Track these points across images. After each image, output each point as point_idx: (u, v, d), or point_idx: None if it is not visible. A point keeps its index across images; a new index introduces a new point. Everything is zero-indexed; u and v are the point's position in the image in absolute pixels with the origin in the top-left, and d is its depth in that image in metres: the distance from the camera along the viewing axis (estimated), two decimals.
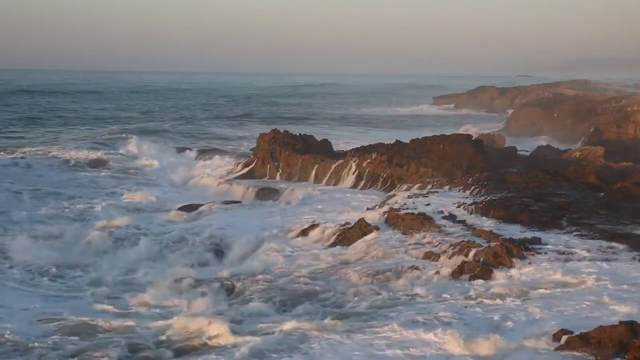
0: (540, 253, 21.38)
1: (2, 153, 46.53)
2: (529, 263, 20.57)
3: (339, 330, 16.71)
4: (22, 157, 45.21)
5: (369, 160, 39.30)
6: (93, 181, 41.18)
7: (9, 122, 73.52)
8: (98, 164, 46.29)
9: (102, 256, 25.80)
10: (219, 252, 26.01)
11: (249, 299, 20.03)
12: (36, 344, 16.72)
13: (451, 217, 26.41)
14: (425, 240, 23.47)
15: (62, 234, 28.44)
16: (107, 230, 28.46)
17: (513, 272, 20.03)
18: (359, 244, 24.30)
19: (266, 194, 37.53)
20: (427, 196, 31.37)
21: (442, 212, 27.43)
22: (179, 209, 32.92)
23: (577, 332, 14.35)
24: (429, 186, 33.82)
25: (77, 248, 26.69)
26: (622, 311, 16.38)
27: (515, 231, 24.14)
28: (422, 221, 25.09)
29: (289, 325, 17.08)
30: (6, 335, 17.11)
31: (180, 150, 52.34)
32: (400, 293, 19.53)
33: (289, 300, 19.72)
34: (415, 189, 33.66)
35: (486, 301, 18.19)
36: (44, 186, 38.09)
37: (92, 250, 26.56)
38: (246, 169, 43.78)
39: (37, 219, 31.09)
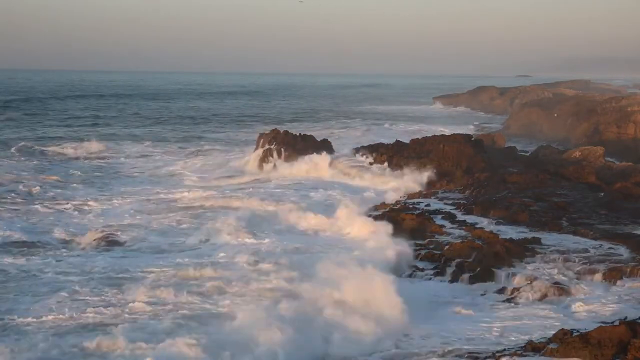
0: (541, 253, 21.39)
1: None
2: (529, 263, 20.57)
3: None
4: None
5: (369, 160, 39.29)
6: None
7: None
8: None
9: None
10: None
11: None
12: None
13: (451, 217, 26.42)
14: (425, 241, 23.46)
15: None
16: None
17: (512, 272, 20.02)
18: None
19: None
20: (427, 196, 31.39)
21: (442, 212, 27.45)
22: None
23: (577, 332, 14.36)
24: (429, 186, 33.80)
25: None
26: (621, 311, 16.38)
27: (515, 231, 24.17)
28: (423, 221, 25.09)
29: None
30: None
31: None
32: None
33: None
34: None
35: (485, 302, 18.21)
36: None
37: None
38: None
39: None
